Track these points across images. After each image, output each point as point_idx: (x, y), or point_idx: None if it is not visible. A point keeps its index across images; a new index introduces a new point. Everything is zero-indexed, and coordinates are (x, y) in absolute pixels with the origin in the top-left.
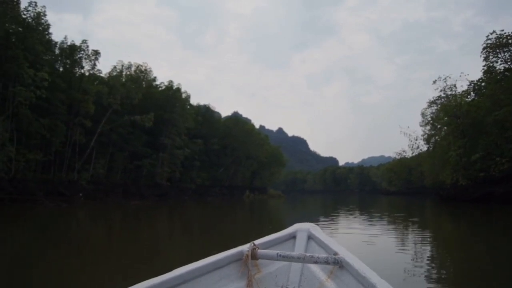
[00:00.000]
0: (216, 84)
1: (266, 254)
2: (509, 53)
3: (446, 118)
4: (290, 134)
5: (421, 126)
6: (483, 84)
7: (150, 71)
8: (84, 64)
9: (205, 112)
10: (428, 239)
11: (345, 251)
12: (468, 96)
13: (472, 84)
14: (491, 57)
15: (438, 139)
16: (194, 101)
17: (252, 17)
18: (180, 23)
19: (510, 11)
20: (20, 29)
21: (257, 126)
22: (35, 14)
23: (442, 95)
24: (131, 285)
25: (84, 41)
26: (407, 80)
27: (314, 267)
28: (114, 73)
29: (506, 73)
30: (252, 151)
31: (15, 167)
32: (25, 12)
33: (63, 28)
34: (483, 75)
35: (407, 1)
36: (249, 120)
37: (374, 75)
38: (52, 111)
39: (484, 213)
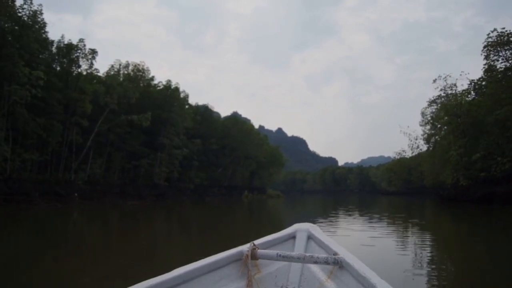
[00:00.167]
0: (216, 84)
1: (266, 254)
2: (510, 51)
3: (446, 118)
4: (289, 134)
5: (421, 125)
6: (483, 83)
7: (148, 70)
8: (81, 63)
9: (204, 112)
10: (429, 240)
11: (345, 251)
12: (469, 96)
13: (473, 83)
14: (492, 55)
15: (438, 139)
16: (194, 101)
17: (252, 17)
18: (180, 23)
19: (510, 11)
20: (16, 27)
21: (256, 126)
22: (30, 12)
23: (442, 94)
24: (130, 285)
25: (81, 40)
26: (407, 80)
27: (314, 267)
28: (112, 72)
29: (508, 72)
30: (251, 151)
31: (11, 167)
32: (20, 10)
33: (62, 28)
34: (484, 74)
35: (407, 1)
36: (249, 120)
37: (374, 75)
38: (49, 110)
39: (485, 214)
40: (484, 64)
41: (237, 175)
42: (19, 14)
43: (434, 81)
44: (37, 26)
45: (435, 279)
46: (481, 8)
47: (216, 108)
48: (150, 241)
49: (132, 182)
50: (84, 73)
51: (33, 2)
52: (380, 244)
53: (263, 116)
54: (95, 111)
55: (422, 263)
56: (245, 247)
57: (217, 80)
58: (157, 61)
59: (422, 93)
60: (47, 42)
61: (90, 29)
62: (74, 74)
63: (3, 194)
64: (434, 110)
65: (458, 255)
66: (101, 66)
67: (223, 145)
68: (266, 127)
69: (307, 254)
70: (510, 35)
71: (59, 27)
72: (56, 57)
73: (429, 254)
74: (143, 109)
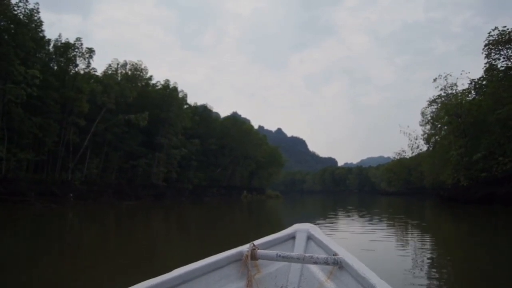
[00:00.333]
0: (215, 85)
1: (265, 254)
2: (511, 50)
3: (446, 117)
4: (289, 134)
5: (421, 125)
6: (484, 82)
7: (146, 69)
8: (78, 62)
9: (203, 112)
10: (430, 241)
11: (345, 252)
12: (469, 95)
13: (473, 83)
14: (493, 54)
15: (438, 139)
16: (193, 101)
17: (251, 18)
18: (179, 23)
19: (509, 11)
20: (12, 25)
21: (256, 127)
22: (26, 10)
23: (443, 94)
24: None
25: (78, 39)
26: (406, 80)
27: (314, 268)
28: (109, 72)
29: (509, 71)
30: (250, 151)
31: (6, 166)
32: (16, 8)
33: (62, 28)
34: (484, 73)
35: (406, 2)
36: (248, 121)
37: (373, 75)
38: (45, 109)
39: (486, 214)
40: (485, 63)
41: (236, 176)
42: (15, 12)
43: (435, 80)
44: (33, 25)
45: (435, 280)
46: (480, 9)
47: (215, 109)
48: (144, 242)
49: (130, 182)
50: (82, 72)
51: (29, 0)
52: (380, 247)
53: (263, 116)
54: (92, 110)
55: (423, 265)
56: (245, 248)
57: (216, 81)
58: (157, 61)
59: (422, 94)
60: (44, 41)
61: (90, 29)
62: (71, 73)
63: None
64: (434, 110)
65: (458, 256)
66: (101, 66)
67: (222, 145)
68: (266, 127)
69: (307, 255)
70: (511, 34)
71: (59, 27)
72: (53, 56)
73: (429, 255)
74: (141, 109)
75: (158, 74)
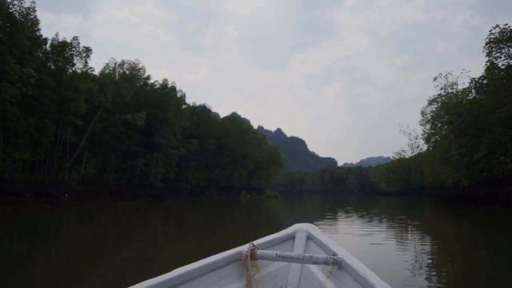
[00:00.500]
0: (215, 85)
1: (265, 254)
2: None
3: (447, 117)
4: (288, 134)
5: (421, 125)
6: (484, 81)
7: (143, 68)
8: (76, 62)
9: (201, 112)
10: (431, 243)
11: (344, 252)
12: (470, 94)
13: (474, 82)
14: (494, 52)
15: (439, 138)
16: (193, 101)
17: (251, 18)
18: (179, 24)
19: (508, 12)
20: (8, 24)
21: (255, 127)
22: (22, 9)
23: (443, 93)
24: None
25: (75, 38)
26: (406, 80)
27: (313, 268)
28: (107, 71)
29: (510, 70)
30: (249, 151)
31: (1, 167)
32: (11, 6)
33: (62, 28)
34: (485, 72)
35: (406, 2)
36: (248, 121)
37: (373, 75)
38: (42, 109)
39: (487, 214)
40: (486, 62)
41: (235, 176)
42: (10, 10)
43: (435, 79)
44: (29, 24)
45: (435, 280)
46: (480, 9)
47: (215, 109)
48: (139, 244)
49: (128, 182)
50: (79, 71)
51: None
52: (380, 251)
53: (263, 116)
54: (89, 110)
55: (423, 265)
56: (244, 248)
57: (216, 81)
58: (157, 61)
59: (422, 94)
60: (40, 40)
61: (90, 30)
62: (68, 72)
63: None
64: (434, 109)
65: (459, 256)
66: (100, 66)
67: (221, 145)
68: (265, 127)
69: (307, 255)
70: None
71: (59, 27)
72: (50, 56)
73: (430, 256)
74: (139, 109)
75: (158, 74)
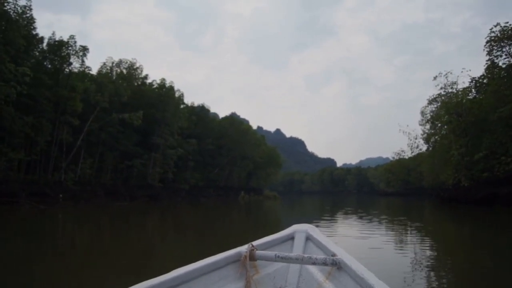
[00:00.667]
0: (215, 85)
1: (264, 255)
2: None
3: (447, 116)
4: (288, 135)
5: (420, 125)
6: (485, 81)
7: (140, 67)
8: (73, 61)
9: (200, 112)
10: (431, 244)
11: (343, 252)
12: (470, 94)
13: (474, 81)
14: (495, 51)
15: (438, 139)
16: (194, 102)
17: (251, 18)
18: (179, 24)
19: (508, 12)
20: (2, 22)
21: (255, 127)
22: (16, 7)
23: (443, 92)
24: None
25: (71, 37)
26: (405, 81)
27: (312, 268)
28: (104, 70)
29: (511, 69)
30: (248, 151)
31: None
32: (6, 4)
33: (62, 28)
34: (485, 71)
35: (405, 2)
36: (247, 121)
37: (372, 76)
38: (38, 108)
39: (488, 215)
40: (487, 61)
41: (234, 176)
42: (4, 8)
43: (435, 78)
44: (25, 22)
45: (435, 280)
46: (479, 9)
47: (215, 109)
48: (132, 246)
49: (125, 183)
50: (76, 71)
51: None
52: (380, 253)
53: (262, 117)
54: (86, 109)
55: (423, 266)
56: (243, 248)
57: (216, 81)
58: (157, 61)
59: (421, 94)
60: (37, 39)
61: (89, 30)
62: (65, 72)
63: None
64: (434, 109)
65: (459, 257)
66: (98, 66)
67: (219, 145)
68: (265, 128)
69: (306, 255)
70: None
71: (58, 27)
72: (47, 55)
73: (430, 257)
74: (136, 108)
75: (158, 75)
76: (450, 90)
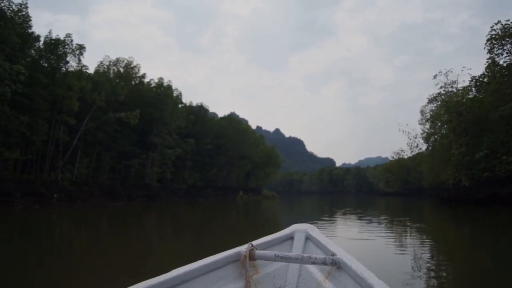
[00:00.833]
0: (215, 85)
1: (264, 255)
2: None
3: (447, 115)
4: (287, 135)
5: (420, 124)
6: (485, 80)
7: (137, 66)
8: (69, 60)
9: (198, 111)
10: (432, 245)
11: (343, 252)
12: (470, 93)
13: (474, 80)
14: (495, 49)
15: (438, 138)
16: (194, 102)
17: (250, 18)
18: (178, 24)
19: (508, 12)
20: None
21: (254, 127)
22: (11, 3)
23: (443, 91)
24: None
25: (68, 35)
26: (405, 81)
27: (312, 268)
28: (101, 69)
29: None
30: (247, 151)
31: None
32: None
33: (60, 28)
34: (486, 70)
35: (405, 2)
36: (246, 121)
37: (372, 76)
38: (33, 107)
39: (489, 215)
40: (487, 59)
41: (232, 176)
42: None
43: (435, 76)
44: (20, 20)
45: (435, 281)
46: (478, 10)
47: (215, 109)
48: (129, 247)
49: (123, 182)
50: (73, 69)
51: None
52: (380, 254)
53: (262, 117)
54: (83, 108)
55: (423, 267)
56: (243, 248)
57: (215, 81)
58: (157, 61)
59: (421, 94)
60: (33, 37)
61: (88, 30)
62: (62, 71)
63: None
64: (433, 108)
65: (459, 258)
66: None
67: (218, 145)
68: (264, 127)
69: (305, 255)
70: None
71: (57, 27)
72: (43, 53)
73: (430, 258)
74: (133, 108)
75: (158, 75)
76: (450, 89)
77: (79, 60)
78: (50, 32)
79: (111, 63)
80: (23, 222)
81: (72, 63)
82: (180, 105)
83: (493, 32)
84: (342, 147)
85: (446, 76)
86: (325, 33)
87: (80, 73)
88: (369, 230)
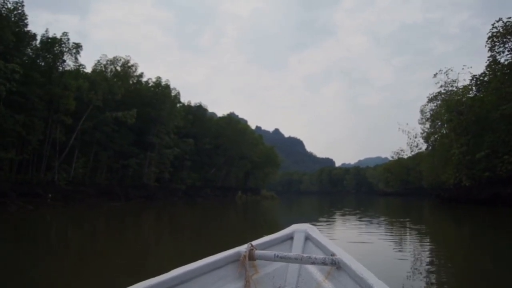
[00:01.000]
0: (214, 86)
1: (263, 255)
2: None
3: (447, 115)
4: (286, 135)
5: (420, 123)
6: (485, 78)
7: (135, 65)
8: (66, 59)
9: (197, 111)
10: (434, 246)
11: (343, 252)
12: (470, 92)
13: (475, 79)
14: (497, 47)
15: (438, 137)
16: (188, 100)
17: (250, 18)
18: (178, 24)
19: (508, 12)
20: None
21: (253, 127)
22: (5, 1)
23: (443, 90)
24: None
25: (64, 34)
26: (405, 81)
27: (312, 268)
28: (98, 68)
29: None
30: (246, 151)
31: None
32: None
33: (60, 28)
34: (486, 68)
35: (404, 2)
36: (245, 121)
37: (372, 76)
38: (29, 107)
39: (489, 216)
40: (488, 57)
41: (231, 176)
42: None
43: (435, 75)
44: (16, 19)
45: (435, 282)
46: (478, 10)
47: (215, 109)
48: (126, 248)
49: (120, 182)
50: (70, 69)
51: None
52: (381, 256)
53: (262, 117)
54: (80, 108)
55: (423, 269)
56: (242, 248)
57: (215, 81)
58: (157, 61)
59: (421, 94)
60: (29, 36)
61: (88, 30)
62: (59, 70)
63: None
64: (434, 107)
65: (460, 259)
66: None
67: (217, 144)
68: (264, 127)
69: (305, 255)
70: None
71: (56, 27)
72: (40, 52)
73: (430, 259)
74: (131, 107)
75: (158, 75)
76: (450, 88)
77: (76, 59)
78: (47, 30)
79: (109, 62)
80: (18, 223)
81: (69, 62)
82: (178, 105)
83: (495, 30)
84: (342, 147)
85: (447, 74)
86: (325, 33)
87: (77, 72)
88: (369, 232)
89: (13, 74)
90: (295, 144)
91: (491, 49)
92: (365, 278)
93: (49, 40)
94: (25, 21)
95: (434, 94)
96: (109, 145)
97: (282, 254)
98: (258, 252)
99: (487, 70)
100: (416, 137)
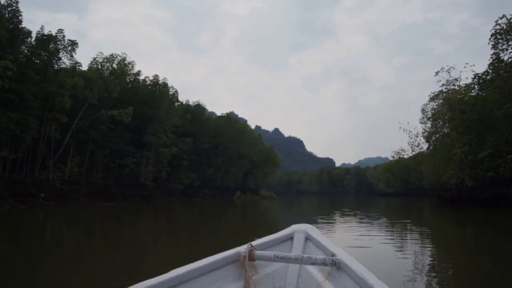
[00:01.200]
0: (214, 85)
1: (263, 255)
2: None
3: (449, 114)
4: (286, 134)
5: (421, 123)
6: (488, 77)
7: (131, 63)
8: (61, 56)
9: (195, 110)
10: (437, 249)
11: (343, 253)
12: (472, 91)
13: (477, 78)
14: (500, 44)
15: (440, 137)
16: (187, 99)
17: (250, 18)
18: (177, 24)
19: (507, 13)
20: None
21: (253, 127)
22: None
23: (444, 89)
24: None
25: (60, 31)
26: (405, 81)
27: (312, 269)
28: (95, 66)
29: None
30: (245, 151)
31: None
32: None
33: (58, 28)
34: (489, 67)
35: (404, 2)
36: (245, 121)
37: (372, 76)
38: (23, 105)
39: (491, 216)
40: (492, 54)
41: (230, 176)
42: None
43: (437, 73)
44: (10, 15)
45: (435, 282)
46: (478, 9)
47: (214, 109)
48: (123, 249)
49: (117, 182)
50: (65, 66)
51: None
52: (381, 257)
53: (262, 117)
54: (75, 106)
55: (423, 269)
56: (242, 248)
57: (215, 81)
58: (156, 61)
59: (421, 94)
60: (23, 33)
61: (87, 29)
62: (54, 67)
63: None
64: (435, 106)
65: (461, 260)
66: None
67: (215, 144)
68: (263, 127)
69: (305, 255)
70: None
71: (54, 26)
72: (35, 50)
73: (431, 260)
74: (128, 105)
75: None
76: (452, 87)
77: (71, 56)
78: (42, 28)
79: (105, 60)
80: (10, 222)
81: (65, 60)
82: (176, 104)
83: (498, 27)
84: (342, 147)
85: (449, 73)
86: (325, 33)
87: (73, 70)
88: (369, 233)
89: (5, 71)
90: (295, 144)
91: (494, 46)
92: (366, 278)
93: (44, 37)
94: (20, 18)
95: (436, 93)
96: (105, 143)
97: (282, 254)
98: (258, 252)
99: (490, 69)
100: (417, 137)
